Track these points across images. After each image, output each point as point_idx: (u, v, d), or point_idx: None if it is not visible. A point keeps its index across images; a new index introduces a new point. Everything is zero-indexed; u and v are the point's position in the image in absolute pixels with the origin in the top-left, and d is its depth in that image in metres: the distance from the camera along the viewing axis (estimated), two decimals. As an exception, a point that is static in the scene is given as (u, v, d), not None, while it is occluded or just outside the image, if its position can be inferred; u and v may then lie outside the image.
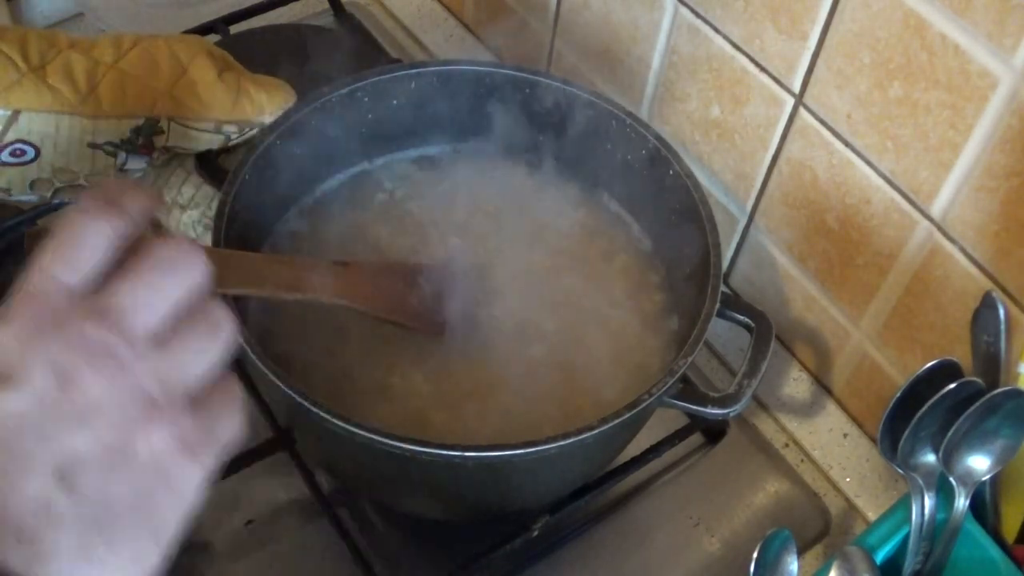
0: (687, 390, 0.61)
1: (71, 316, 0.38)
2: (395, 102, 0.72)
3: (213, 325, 0.41)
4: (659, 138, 0.69)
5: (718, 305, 0.62)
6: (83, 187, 0.70)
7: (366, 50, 0.93)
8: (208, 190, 0.72)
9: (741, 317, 0.65)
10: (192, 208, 0.72)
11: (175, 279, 0.40)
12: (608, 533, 0.72)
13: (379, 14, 1.02)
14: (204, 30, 0.90)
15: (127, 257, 0.40)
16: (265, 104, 0.70)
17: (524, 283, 0.69)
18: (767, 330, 0.64)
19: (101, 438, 0.38)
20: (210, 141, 0.70)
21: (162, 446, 0.39)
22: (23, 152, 0.67)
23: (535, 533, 0.67)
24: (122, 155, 0.69)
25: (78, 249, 0.39)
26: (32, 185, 0.69)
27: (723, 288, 0.63)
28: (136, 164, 0.70)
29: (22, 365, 0.37)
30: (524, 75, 0.72)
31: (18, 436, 0.37)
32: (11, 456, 0.37)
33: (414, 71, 0.72)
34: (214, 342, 0.41)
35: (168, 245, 0.41)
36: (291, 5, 0.96)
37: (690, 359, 0.59)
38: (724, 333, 0.79)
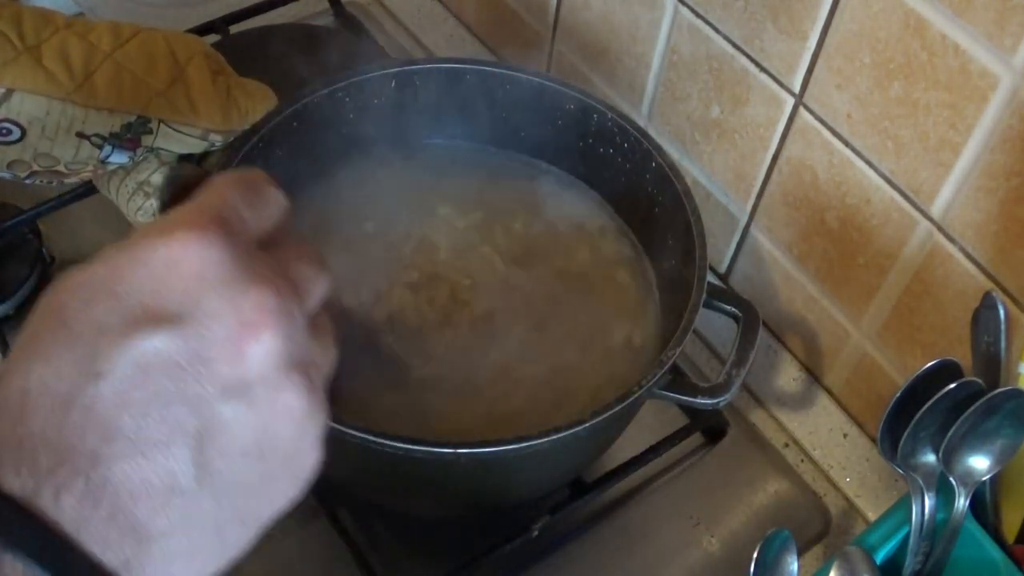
0: (677, 381, 0.62)
1: (259, 270, 0.33)
2: (376, 101, 0.72)
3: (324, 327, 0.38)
4: (640, 131, 0.70)
5: (704, 296, 0.62)
6: (60, 173, 0.69)
7: (366, 50, 0.93)
8: None
9: (728, 307, 0.66)
10: (155, 198, 0.72)
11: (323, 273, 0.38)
12: (608, 533, 0.72)
13: (379, 14, 1.02)
14: (204, 30, 0.90)
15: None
16: (250, 113, 0.70)
17: (508, 276, 0.70)
18: (754, 319, 0.65)
19: (254, 413, 0.33)
20: (195, 146, 0.71)
21: (305, 426, 0.34)
22: (8, 132, 0.66)
23: (535, 533, 0.67)
24: (107, 148, 0.68)
25: (266, 203, 0.37)
26: (10, 165, 0.68)
27: (710, 279, 0.63)
28: (119, 158, 0.69)
29: (196, 305, 0.32)
30: (501, 71, 0.72)
31: (170, 393, 0.31)
32: (152, 418, 0.31)
33: (392, 71, 0.72)
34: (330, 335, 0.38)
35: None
36: (291, 5, 0.96)
37: (679, 349, 0.60)
38: (717, 326, 0.79)
